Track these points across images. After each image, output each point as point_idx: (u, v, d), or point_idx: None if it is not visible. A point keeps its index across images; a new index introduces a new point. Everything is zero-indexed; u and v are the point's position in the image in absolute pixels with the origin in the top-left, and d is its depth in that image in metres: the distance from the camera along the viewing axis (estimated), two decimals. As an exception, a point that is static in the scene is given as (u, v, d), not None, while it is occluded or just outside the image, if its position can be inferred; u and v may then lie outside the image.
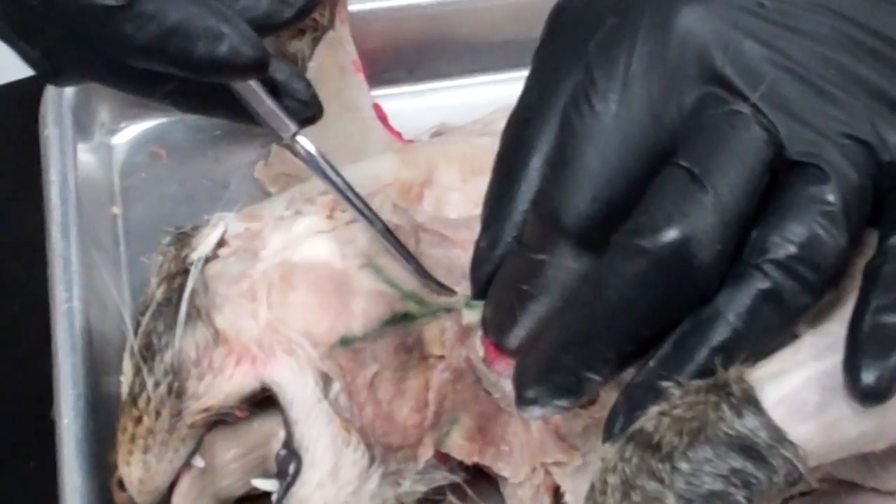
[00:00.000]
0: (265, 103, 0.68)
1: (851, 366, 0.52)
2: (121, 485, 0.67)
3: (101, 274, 0.76)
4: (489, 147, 0.61)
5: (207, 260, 0.68)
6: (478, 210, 0.60)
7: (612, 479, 0.53)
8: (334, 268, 0.68)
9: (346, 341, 0.67)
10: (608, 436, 0.54)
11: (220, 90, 0.68)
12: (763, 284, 0.53)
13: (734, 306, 0.53)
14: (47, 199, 0.78)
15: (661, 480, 0.52)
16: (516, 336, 0.57)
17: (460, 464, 0.68)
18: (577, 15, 0.60)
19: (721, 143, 0.53)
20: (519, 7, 0.85)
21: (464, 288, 0.66)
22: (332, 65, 0.81)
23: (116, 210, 0.81)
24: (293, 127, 0.68)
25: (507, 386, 0.64)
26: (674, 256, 0.52)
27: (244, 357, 0.66)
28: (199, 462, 0.67)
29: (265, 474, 0.67)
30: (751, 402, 0.53)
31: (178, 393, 0.65)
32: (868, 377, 0.51)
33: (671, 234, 0.52)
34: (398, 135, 0.82)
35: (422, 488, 0.68)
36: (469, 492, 0.68)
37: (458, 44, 0.86)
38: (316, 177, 0.69)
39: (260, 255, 0.69)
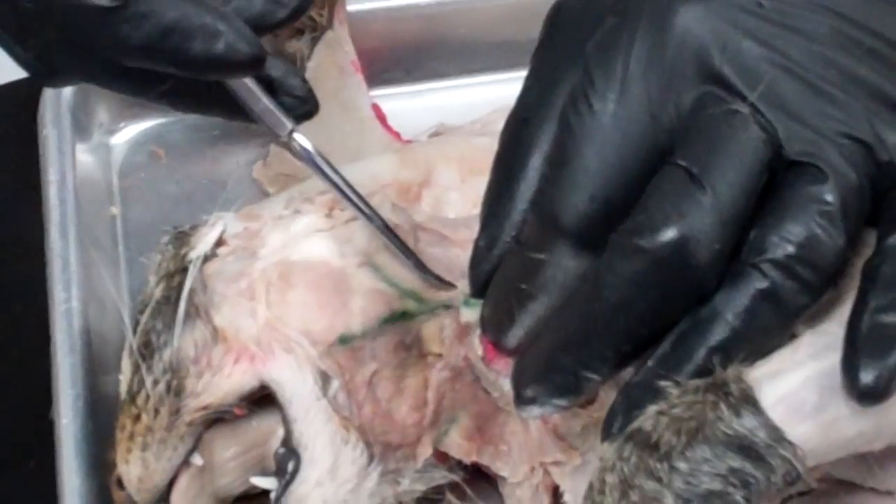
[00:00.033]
0: (261, 101, 0.68)
1: (850, 365, 0.52)
2: (119, 483, 0.67)
3: (99, 274, 0.75)
4: (488, 147, 0.61)
5: (206, 259, 0.68)
6: (477, 210, 0.60)
7: (611, 479, 0.53)
8: (333, 266, 0.68)
9: (344, 339, 0.67)
10: (606, 435, 0.54)
11: (215, 88, 0.68)
12: (761, 284, 0.53)
13: (732, 306, 0.53)
14: (46, 200, 0.78)
15: (659, 480, 0.52)
16: (515, 335, 0.57)
17: (459, 463, 0.68)
18: (576, 15, 0.60)
19: (719, 143, 0.53)
20: (517, 7, 0.85)
21: (463, 286, 0.66)
22: (330, 65, 0.81)
23: (115, 210, 0.81)
24: (289, 124, 0.68)
25: (506, 385, 0.64)
26: (672, 256, 0.52)
27: (243, 355, 0.66)
28: (197, 460, 0.67)
29: (264, 472, 0.67)
30: (749, 401, 0.53)
31: (176, 391, 0.65)
32: (866, 377, 0.51)
33: (670, 234, 0.52)
34: (397, 135, 0.82)
35: (421, 487, 0.68)
36: (468, 491, 0.68)
37: (456, 44, 0.86)
38: (313, 174, 0.69)
39: (259, 254, 0.69)
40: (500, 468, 0.68)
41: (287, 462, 0.66)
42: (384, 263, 0.69)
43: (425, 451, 0.67)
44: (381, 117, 0.82)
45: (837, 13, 0.56)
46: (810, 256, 0.53)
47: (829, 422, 0.53)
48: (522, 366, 0.56)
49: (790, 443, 0.52)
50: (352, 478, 0.66)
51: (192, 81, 0.66)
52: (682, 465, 0.52)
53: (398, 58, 0.86)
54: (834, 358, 0.52)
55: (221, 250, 0.69)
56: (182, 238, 0.70)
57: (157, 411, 0.65)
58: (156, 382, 0.65)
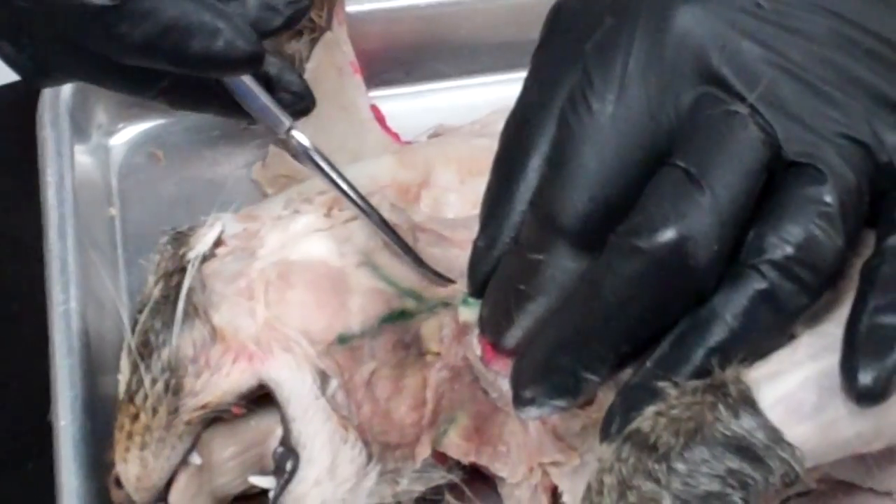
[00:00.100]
0: (259, 98, 0.68)
1: (848, 366, 0.52)
2: (118, 482, 0.67)
3: (98, 275, 0.75)
4: (487, 148, 0.61)
5: (205, 259, 0.68)
6: (476, 211, 0.60)
7: (609, 480, 0.53)
8: (332, 266, 0.68)
9: (343, 339, 0.67)
10: (605, 436, 0.54)
11: (213, 87, 0.68)
12: (760, 285, 0.53)
13: (731, 307, 0.53)
14: (44, 201, 0.77)
15: (657, 481, 0.52)
16: (513, 336, 0.57)
17: (458, 463, 0.68)
18: (575, 16, 0.60)
19: (718, 144, 0.53)
20: (517, 8, 0.85)
21: (462, 285, 0.66)
22: (329, 66, 0.81)
23: (114, 211, 0.81)
24: (287, 121, 0.68)
25: (505, 385, 0.64)
26: (671, 256, 0.52)
27: (241, 354, 0.66)
28: (196, 459, 0.67)
29: (262, 471, 0.67)
30: (748, 402, 0.53)
31: (175, 390, 0.65)
32: (865, 378, 0.51)
33: (668, 235, 0.52)
34: (396, 136, 0.82)
35: (419, 487, 0.68)
36: (467, 491, 0.68)
37: (455, 45, 0.86)
38: (311, 171, 0.69)
39: (257, 254, 0.69)
40: (499, 469, 0.68)
41: (285, 461, 0.66)
42: (383, 263, 0.69)
43: (424, 451, 0.67)
44: (380, 118, 0.82)
45: (836, 14, 0.56)
46: (809, 257, 0.53)
47: (827, 423, 0.53)
48: (521, 366, 0.56)
49: (789, 444, 0.52)
50: (350, 477, 0.66)
51: (189, 79, 0.66)
52: (680, 466, 0.52)
53: (397, 59, 0.86)
54: (832, 359, 0.52)
55: (220, 250, 0.69)
56: (181, 238, 0.70)
57: (155, 410, 0.65)
58: (154, 381, 0.65)
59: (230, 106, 0.68)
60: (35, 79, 0.67)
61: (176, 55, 0.63)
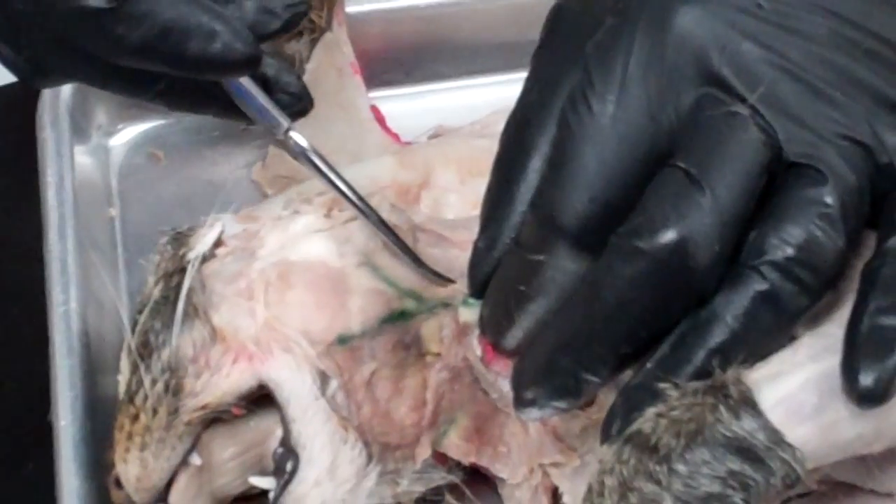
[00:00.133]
0: (256, 100, 0.68)
1: (849, 368, 0.52)
2: (118, 483, 0.67)
3: (98, 276, 0.75)
4: (487, 149, 0.61)
5: (205, 259, 0.68)
6: (476, 211, 0.60)
7: (610, 481, 0.53)
8: (332, 266, 0.68)
9: (343, 339, 0.67)
10: (606, 437, 0.54)
11: (210, 88, 0.67)
12: (761, 286, 0.53)
13: (732, 308, 0.53)
14: (44, 202, 0.77)
15: (658, 482, 0.52)
16: (513, 337, 0.57)
17: (459, 464, 0.68)
18: (576, 16, 0.60)
19: (719, 145, 0.53)
20: (517, 8, 0.85)
21: (462, 286, 0.66)
22: (329, 66, 0.81)
23: (114, 212, 0.81)
24: (286, 123, 0.68)
25: (505, 386, 0.64)
26: (671, 257, 0.52)
27: (241, 355, 0.66)
28: (196, 460, 0.67)
29: (262, 472, 0.67)
30: (748, 403, 0.53)
31: (175, 390, 0.65)
32: (866, 379, 0.51)
33: (669, 236, 0.52)
34: (396, 136, 0.82)
35: (420, 488, 0.68)
36: (467, 492, 0.68)
37: (455, 45, 0.86)
38: (309, 172, 0.69)
39: (257, 255, 0.69)
40: (499, 469, 0.68)
41: (285, 462, 0.66)
42: (383, 263, 0.69)
43: (424, 452, 0.67)
44: (380, 119, 0.82)
45: (837, 14, 0.55)
46: (810, 258, 0.52)
47: (828, 424, 0.53)
48: (522, 368, 0.56)
49: (790, 445, 0.52)
50: (350, 478, 0.66)
51: (187, 81, 0.66)
52: (681, 468, 0.52)
53: (397, 59, 0.86)
54: (833, 360, 0.52)
55: (220, 251, 0.69)
56: (180, 239, 0.70)
57: (155, 411, 0.65)
58: (154, 382, 0.65)
59: (228, 107, 0.68)
60: (32, 80, 0.67)
61: (173, 57, 0.63)
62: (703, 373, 0.53)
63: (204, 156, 0.83)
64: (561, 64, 0.58)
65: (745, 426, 0.52)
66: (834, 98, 0.54)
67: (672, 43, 0.54)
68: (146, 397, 0.65)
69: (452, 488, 0.68)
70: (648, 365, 0.54)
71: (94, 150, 0.83)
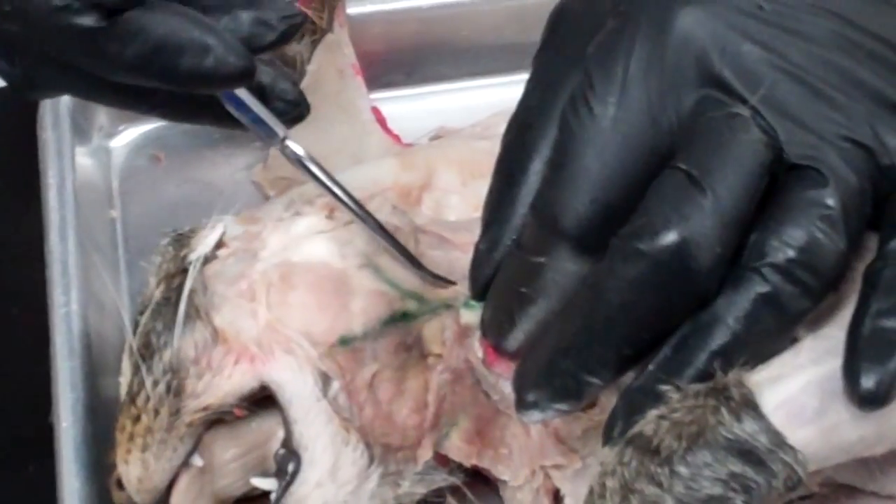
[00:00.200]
0: (251, 111, 0.67)
1: (851, 370, 0.52)
2: (119, 484, 0.67)
3: (99, 277, 0.75)
4: (489, 150, 0.61)
5: (206, 260, 0.68)
6: (477, 213, 0.60)
7: (611, 483, 0.53)
8: (333, 268, 0.68)
9: (345, 341, 0.67)
10: (607, 439, 0.54)
11: (206, 99, 0.67)
12: (762, 288, 0.53)
13: (733, 310, 0.53)
14: (45, 203, 0.77)
15: (659, 484, 0.52)
16: (515, 339, 0.57)
17: (460, 466, 0.68)
18: (577, 18, 0.60)
19: (720, 146, 0.53)
20: (518, 10, 0.85)
21: (463, 288, 0.66)
22: (330, 68, 0.81)
23: (115, 213, 0.81)
24: (281, 132, 0.68)
25: (507, 388, 0.64)
26: (673, 259, 0.52)
27: (243, 356, 0.66)
28: (197, 461, 0.67)
29: (264, 473, 0.67)
30: (750, 406, 0.53)
31: (176, 391, 0.65)
32: (868, 381, 0.51)
33: (670, 237, 0.52)
34: (397, 138, 0.82)
35: (421, 490, 0.68)
36: (468, 494, 0.68)
37: (457, 47, 0.86)
38: (307, 179, 0.69)
39: (259, 256, 0.69)
40: (501, 471, 0.68)
41: (287, 463, 0.66)
42: (385, 265, 0.69)
43: (425, 454, 0.67)
44: (382, 120, 0.82)
45: (838, 15, 0.55)
46: (811, 261, 0.52)
47: (830, 426, 0.53)
48: (523, 370, 0.56)
49: (791, 447, 0.52)
50: (352, 479, 0.66)
51: (182, 94, 0.66)
52: (682, 470, 0.52)
53: (398, 61, 0.86)
54: (835, 362, 0.52)
55: (221, 252, 0.69)
56: (182, 240, 0.70)
57: (156, 412, 0.65)
58: (156, 383, 0.65)
59: (225, 117, 0.68)
60: (28, 93, 0.67)
61: (167, 73, 0.62)
62: (704, 375, 0.53)
63: (205, 157, 0.83)
64: (562, 66, 0.58)
65: (746, 428, 0.52)
66: (835, 99, 0.54)
67: (673, 45, 0.54)
68: (148, 398, 0.65)
69: (454, 490, 0.68)
70: (650, 367, 0.54)
71: (95, 151, 0.83)
